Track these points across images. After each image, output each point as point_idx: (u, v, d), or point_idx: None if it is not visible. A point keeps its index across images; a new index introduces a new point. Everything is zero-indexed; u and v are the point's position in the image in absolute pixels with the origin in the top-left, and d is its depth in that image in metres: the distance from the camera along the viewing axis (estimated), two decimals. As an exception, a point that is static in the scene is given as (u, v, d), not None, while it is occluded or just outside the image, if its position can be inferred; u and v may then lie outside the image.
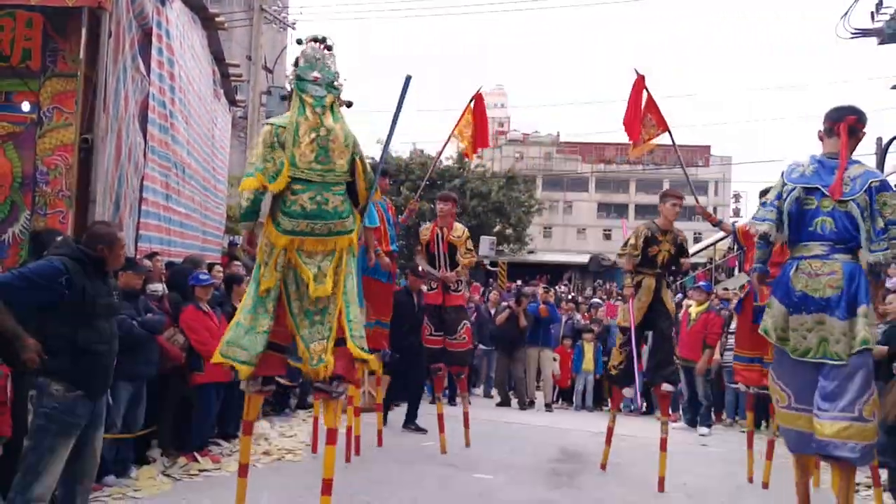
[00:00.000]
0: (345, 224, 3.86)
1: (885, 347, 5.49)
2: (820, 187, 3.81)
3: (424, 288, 7.03)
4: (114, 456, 4.95)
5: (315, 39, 4.05)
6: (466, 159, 32.34)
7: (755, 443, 6.17)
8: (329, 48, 4.07)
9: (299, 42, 4.13)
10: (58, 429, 3.36)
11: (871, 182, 3.71)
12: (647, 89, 6.40)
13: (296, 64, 4.04)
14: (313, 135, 3.83)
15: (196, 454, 5.59)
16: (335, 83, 4.00)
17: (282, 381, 7.02)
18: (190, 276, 5.87)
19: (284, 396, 8.01)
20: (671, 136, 6.51)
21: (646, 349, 6.74)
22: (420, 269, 6.93)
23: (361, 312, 6.30)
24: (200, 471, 5.43)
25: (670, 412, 9.69)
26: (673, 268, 6.43)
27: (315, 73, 3.97)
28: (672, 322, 5.86)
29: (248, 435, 4.19)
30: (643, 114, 6.39)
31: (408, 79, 4.27)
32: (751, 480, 5.99)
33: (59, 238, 4.07)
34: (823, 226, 3.80)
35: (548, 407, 10.39)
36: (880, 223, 3.67)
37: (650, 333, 6.27)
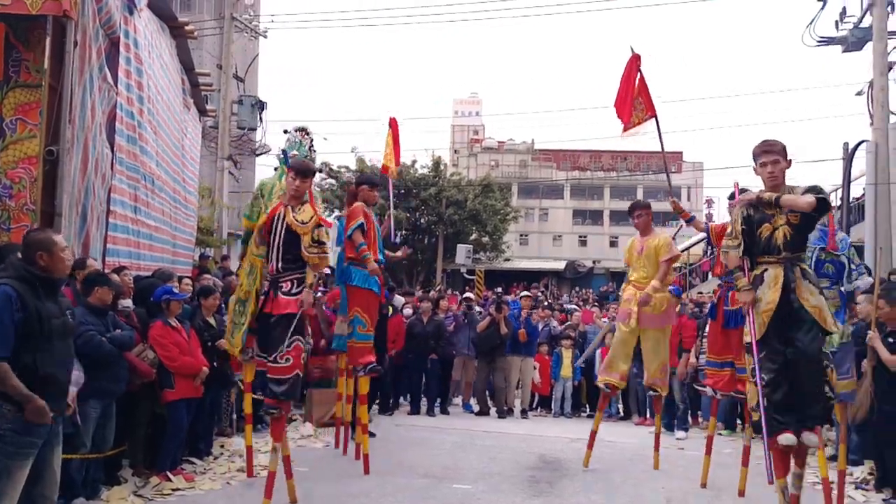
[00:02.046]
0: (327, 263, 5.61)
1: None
2: None
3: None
4: (83, 477, 4.81)
5: (298, 129, 6.34)
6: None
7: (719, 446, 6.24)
8: (307, 134, 6.38)
9: (285, 131, 6.45)
10: (13, 450, 3.22)
11: None
12: (640, 70, 6.32)
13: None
14: (280, 193, 5.25)
15: (168, 473, 5.46)
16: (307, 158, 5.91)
17: (257, 395, 6.90)
18: (158, 290, 5.74)
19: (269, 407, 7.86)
20: (657, 122, 6.38)
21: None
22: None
23: (343, 321, 6.24)
24: (174, 490, 5.30)
25: (646, 417, 9.78)
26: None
27: (294, 152, 5.98)
28: (820, 333, 4.23)
29: (249, 424, 5.72)
30: (635, 95, 6.31)
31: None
32: (703, 486, 5.95)
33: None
34: None
35: (523, 413, 10.37)
36: None
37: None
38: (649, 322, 6.36)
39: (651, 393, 6.81)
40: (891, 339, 5.52)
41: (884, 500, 5.73)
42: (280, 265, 4.95)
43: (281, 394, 4.84)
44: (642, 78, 6.31)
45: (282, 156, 6.05)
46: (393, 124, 7.55)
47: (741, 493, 5.70)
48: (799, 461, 4.36)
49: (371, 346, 6.05)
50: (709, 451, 6.12)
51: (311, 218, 4.98)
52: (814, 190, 4.25)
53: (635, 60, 6.37)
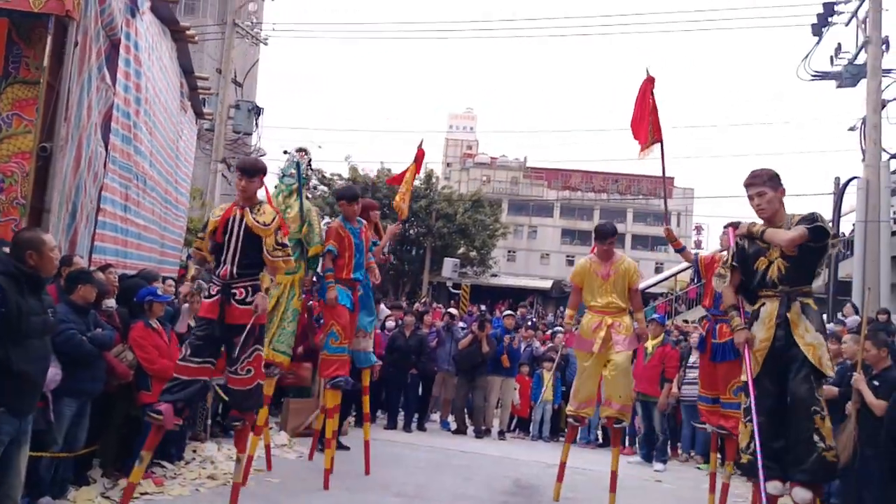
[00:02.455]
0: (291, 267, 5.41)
1: (836, 388, 5.59)
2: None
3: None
4: (51, 476, 4.77)
5: (298, 150, 6.27)
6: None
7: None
8: (305, 153, 6.28)
9: (286, 152, 6.47)
10: None
11: None
12: (652, 93, 6.33)
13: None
14: (280, 208, 5.74)
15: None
16: (304, 176, 6.18)
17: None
18: (143, 291, 5.73)
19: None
20: (661, 147, 6.35)
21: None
22: (193, 271, 5.33)
23: (363, 336, 6.44)
24: (142, 494, 5.26)
25: (625, 446, 9.78)
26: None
27: (292, 170, 6.14)
28: (812, 375, 4.02)
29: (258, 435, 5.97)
30: (648, 117, 6.32)
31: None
32: None
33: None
34: None
35: (501, 435, 10.36)
36: None
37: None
38: (623, 344, 5.92)
39: (617, 426, 6.13)
40: (876, 383, 5.37)
41: None
42: (235, 270, 4.68)
43: (244, 405, 4.83)
44: (653, 101, 6.33)
45: (280, 174, 6.29)
46: (420, 157, 7.33)
47: None
48: None
49: (344, 360, 5.97)
50: (712, 490, 6.05)
51: (274, 219, 4.77)
52: (808, 219, 4.06)
53: (650, 83, 6.35)
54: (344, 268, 5.92)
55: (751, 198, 4.30)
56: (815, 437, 3.91)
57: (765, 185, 4.23)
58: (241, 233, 4.68)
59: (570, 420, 6.33)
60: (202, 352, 4.69)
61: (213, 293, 4.71)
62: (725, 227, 6.17)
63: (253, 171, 4.84)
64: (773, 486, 3.99)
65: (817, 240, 4.05)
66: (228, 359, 4.76)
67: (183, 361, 4.70)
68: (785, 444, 4.02)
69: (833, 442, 4.02)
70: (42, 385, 3.60)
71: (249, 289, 4.69)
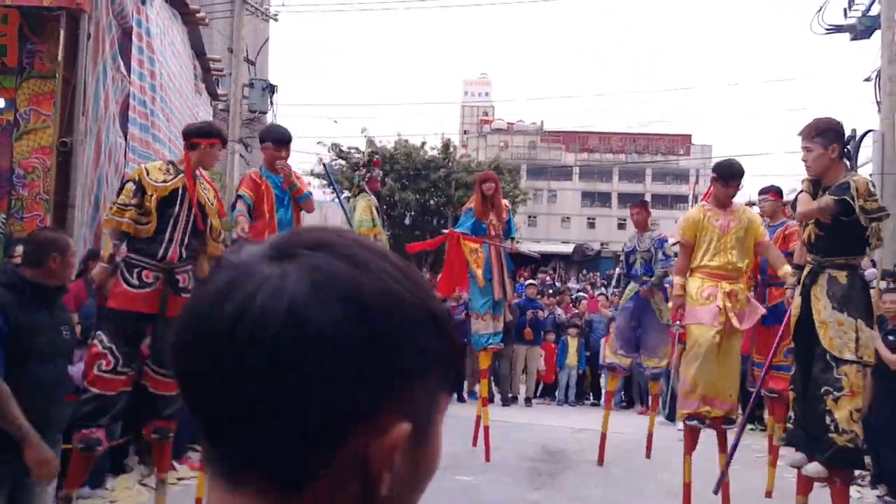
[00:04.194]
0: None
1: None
2: None
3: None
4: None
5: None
6: (451, 149, 32.33)
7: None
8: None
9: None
10: None
11: None
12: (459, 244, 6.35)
13: None
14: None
15: (174, 462, 5.54)
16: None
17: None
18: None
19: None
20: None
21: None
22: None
23: (479, 318, 6.42)
24: (179, 479, 5.34)
25: (647, 406, 9.84)
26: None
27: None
28: (824, 353, 3.76)
29: None
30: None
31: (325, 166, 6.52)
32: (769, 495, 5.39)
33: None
34: None
35: (527, 402, 10.47)
36: None
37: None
38: (744, 321, 4.70)
39: (727, 426, 4.89)
40: (891, 337, 5.35)
41: (878, 496, 5.77)
42: (184, 252, 4.02)
43: (167, 413, 4.07)
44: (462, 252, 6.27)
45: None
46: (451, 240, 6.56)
47: (768, 494, 5.31)
48: (801, 486, 4.04)
49: None
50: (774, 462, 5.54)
51: (215, 197, 4.31)
52: (840, 188, 3.70)
53: (453, 238, 6.34)
54: (265, 228, 4.71)
55: (802, 150, 3.91)
56: (827, 420, 3.66)
57: (812, 139, 3.83)
58: (193, 208, 4.05)
59: (687, 423, 4.87)
60: (134, 358, 3.89)
61: (149, 280, 3.87)
62: (761, 192, 6.10)
63: (203, 132, 4.26)
64: (798, 459, 3.88)
65: (845, 213, 3.66)
66: (154, 359, 3.99)
67: (112, 374, 3.78)
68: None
69: (850, 426, 3.64)
70: (50, 417, 2.94)
71: (189, 275, 4.02)
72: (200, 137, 4.17)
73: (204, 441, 0.55)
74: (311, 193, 5.07)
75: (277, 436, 0.50)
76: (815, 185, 3.86)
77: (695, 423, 4.76)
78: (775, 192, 6.05)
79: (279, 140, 4.98)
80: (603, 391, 10.74)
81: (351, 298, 0.51)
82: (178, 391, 0.56)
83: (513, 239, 6.65)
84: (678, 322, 5.29)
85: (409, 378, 0.53)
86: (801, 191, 3.90)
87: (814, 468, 3.74)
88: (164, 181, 3.98)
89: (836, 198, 3.66)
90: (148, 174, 4.01)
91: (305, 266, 0.52)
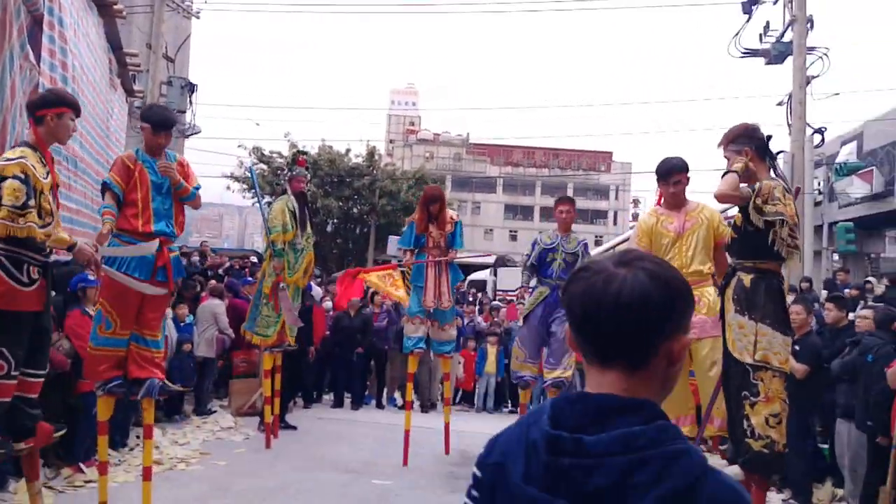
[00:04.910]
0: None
1: (804, 366, 5.63)
2: None
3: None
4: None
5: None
6: (376, 158, 32.24)
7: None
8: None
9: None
10: None
11: None
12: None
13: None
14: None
15: (81, 465, 5.35)
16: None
17: (174, 386, 6.85)
18: (74, 278, 5.60)
19: (178, 402, 7.79)
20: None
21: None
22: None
23: (409, 321, 6.68)
24: (86, 482, 5.21)
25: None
26: None
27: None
28: (728, 356, 3.76)
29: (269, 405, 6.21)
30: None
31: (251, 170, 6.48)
32: None
33: None
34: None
35: (431, 407, 10.53)
36: None
37: None
38: (709, 329, 4.30)
39: (723, 447, 4.48)
40: (797, 347, 5.50)
41: (783, 500, 5.88)
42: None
43: (36, 415, 3.88)
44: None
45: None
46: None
47: None
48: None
49: (117, 355, 4.32)
50: None
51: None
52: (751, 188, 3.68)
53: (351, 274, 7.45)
54: (138, 215, 4.26)
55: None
56: (745, 424, 3.65)
57: (728, 148, 3.87)
58: (55, 193, 3.80)
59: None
60: (22, 360, 3.66)
61: (35, 276, 3.64)
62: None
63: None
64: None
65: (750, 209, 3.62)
66: (36, 361, 3.79)
67: (6, 379, 3.56)
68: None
69: (766, 431, 3.61)
70: None
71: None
72: (45, 108, 3.76)
73: (594, 355, 1.12)
74: (198, 189, 4.57)
75: (637, 343, 1.09)
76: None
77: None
78: None
79: (159, 124, 4.41)
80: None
81: (662, 280, 1.09)
82: (577, 336, 1.14)
83: (455, 250, 6.65)
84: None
85: (683, 317, 1.12)
86: (730, 171, 3.74)
87: (732, 472, 3.67)
88: (44, 173, 3.68)
89: (749, 188, 3.68)
90: (34, 167, 3.59)
91: (638, 268, 1.10)
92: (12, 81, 5.67)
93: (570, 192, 54.31)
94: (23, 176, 3.49)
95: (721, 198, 3.74)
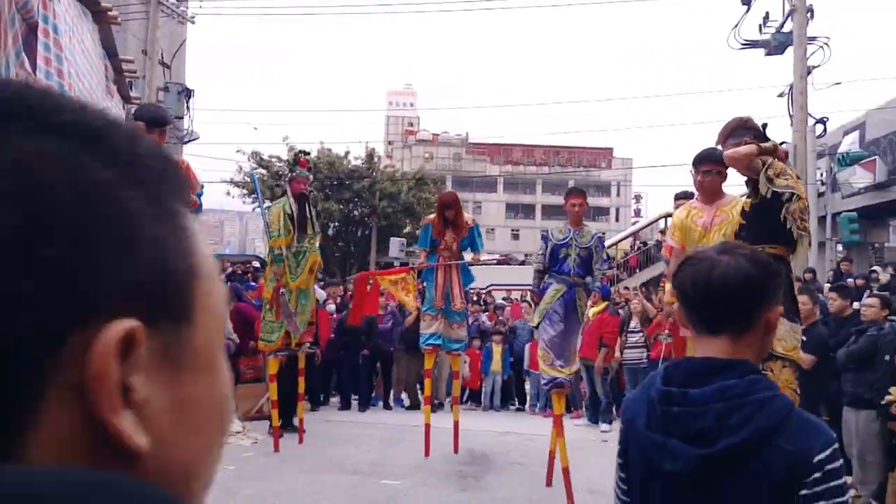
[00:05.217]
0: None
1: (811, 356, 5.55)
2: None
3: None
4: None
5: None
6: (375, 160, 32.24)
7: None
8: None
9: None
10: None
11: None
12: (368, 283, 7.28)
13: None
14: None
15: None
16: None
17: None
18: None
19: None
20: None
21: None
22: None
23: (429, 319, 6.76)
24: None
25: (573, 409, 10.06)
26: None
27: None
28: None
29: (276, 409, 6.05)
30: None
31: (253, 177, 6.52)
32: None
33: None
34: None
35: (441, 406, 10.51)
36: None
37: None
38: None
39: None
40: (804, 338, 5.62)
41: None
42: None
43: None
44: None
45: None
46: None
47: None
48: None
49: None
50: None
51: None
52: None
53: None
54: None
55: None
56: None
57: (726, 144, 3.84)
58: None
59: None
60: None
61: None
62: (678, 198, 6.24)
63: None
64: None
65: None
66: None
67: None
68: None
69: None
70: None
71: None
72: None
73: (705, 327, 1.36)
74: (201, 193, 4.53)
75: (741, 315, 1.32)
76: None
77: None
78: (692, 196, 6.16)
79: (152, 121, 4.31)
80: (528, 398, 10.90)
81: (757, 262, 1.35)
82: (688, 313, 1.40)
83: (477, 253, 6.74)
84: (666, 331, 5.11)
85: (776, 292, 1.41)
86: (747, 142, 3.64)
87: None
88: None
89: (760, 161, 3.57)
90: None
91: (738, 254, 1.35)
92: (8, 89, 5.64)
93: (570, 190, 54.39)
94: None
95: (731, 160, 3.61)
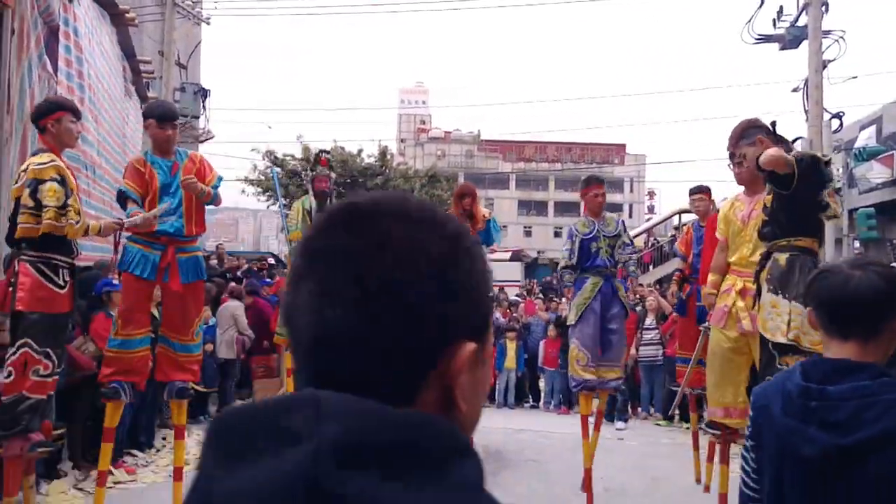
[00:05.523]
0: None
1: None
2: None
3: None
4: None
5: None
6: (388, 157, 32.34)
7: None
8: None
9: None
10: None
11: None
12: None
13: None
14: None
15: (111, 466, 5.42)
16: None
17: (199, 387, 6.94)
18: (99, 283, 5.67)
19: (203, 403, 7.86)
20: None
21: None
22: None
23: None
24: (115, 483, 5.28)
25: (616, 416, 9.96)
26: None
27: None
28: (772, 345, 3.53)
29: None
30: None
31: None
32: (698, 481, 5.54)
33: None
34: None
35: None
36: None
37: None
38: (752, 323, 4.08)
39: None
40: None
41: None
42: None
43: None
44: None
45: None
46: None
47: (707, 489, 5.28)
48: None
49: (125, 358, 4.21)
50: (696, 447, 5.68)
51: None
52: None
53: None
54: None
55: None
56: None
57: (739, 145, 3.84)
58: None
59: (705, 428, 4.64)
60: (63, 359, 3.98)
61: (68, 279, 3.84)
62: (693, 192, 6.26)
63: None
64: None
65: (810, 170, 3.48)
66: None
67: (50, 377, 3.77)
68: None
69: None
70: None
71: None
72: (43, 117, 3.87)
73: (837, 332, 1.56)
74: (218, 185, 4.51)
75: (871, 323, 1.53)
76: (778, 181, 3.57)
77: (713, 431, 4.46)
78: (708, 191, 6.12)
79: (162, 116, 4.36)
80: (543, 395, 10.93)
81: (887, 278, 1.53)
82: (822, 319, 1.59)
83: (494, 245, 6.53)
84: (707, 322, 5.05)
85: None
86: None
87: None
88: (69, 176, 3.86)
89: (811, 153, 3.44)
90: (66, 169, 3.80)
91: (870, 270, 1.54)
92: (31, 91, 5.75)
93: (583, 186, 54.25)
94: (59, 178, 3.66)
95: (771, 162, 3.48)
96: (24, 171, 3.72)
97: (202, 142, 16.99)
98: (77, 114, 4.03)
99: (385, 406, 0.58)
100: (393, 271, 0.62)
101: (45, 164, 3.69)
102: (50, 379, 3.74)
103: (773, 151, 3.48)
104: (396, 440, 0.56)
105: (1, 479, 3.81)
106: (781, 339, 3.52)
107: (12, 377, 3.64)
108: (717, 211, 5.09)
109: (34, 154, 3.92)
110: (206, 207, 4.53)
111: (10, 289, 3.66)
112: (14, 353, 3.64)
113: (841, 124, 14.39)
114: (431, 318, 0.62)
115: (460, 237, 0.67)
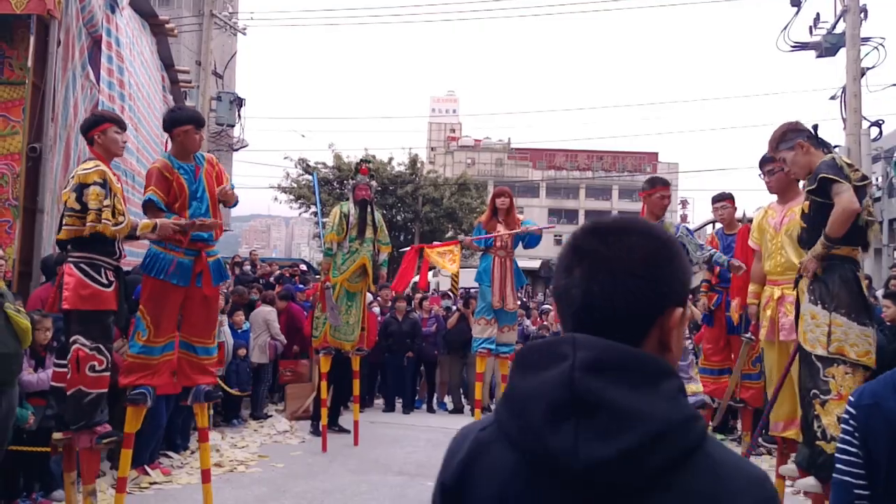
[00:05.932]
0: None
1: None
2: None
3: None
4: (61, 470, 4.86)
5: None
6: (418, 165, 32.48)
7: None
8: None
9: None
10: None
11: None
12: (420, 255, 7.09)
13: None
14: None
15: (146, 467, 5.54)
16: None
17: (232, 391, 7.06)
18: (139, 287, 5.79)
19: (236, 407, 7.98)
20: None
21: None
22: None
23: (480, 323, 6.70)
24: (151, 483, 5.39)
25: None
26: None
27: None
28: (805, 352, 3.57)
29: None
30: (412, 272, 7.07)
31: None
32: None
33: None
34: None
35: (486, 409, 10.51)
36: None
37: None
38: (788, 330, 4.14)
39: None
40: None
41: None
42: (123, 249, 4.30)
43: (64, 415, 4.01)
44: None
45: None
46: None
47: None
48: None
49: (152, 364, 4.27)
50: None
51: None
52: (826, 169, 3.52)
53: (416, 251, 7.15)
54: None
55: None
56: (815, 426, 3.40)
57: (778, 150, 3.80)
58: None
59: (762, 443, 4.56)
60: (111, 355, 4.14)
61: (112, 279, 4.01)
62: (717, 200, 6.21)
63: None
64: (787, 469, 3.69)
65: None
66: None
67: (105, 371, 3.98)
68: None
69: (839, 432, 3.03)
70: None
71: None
72: (90, 129, 4.08)
73: None
74: (232, 187, 4.57)
75: None
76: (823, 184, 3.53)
77: (768, 446, 4.34)
78: (731, 199, 6.08)
79: (195, 121, 4.39)
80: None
81: None
82: None
83: (526, 226, 6.60)
84: (749, 334, 4.90)
85: None
86: (844, 189, 3.45)
87: (805, 483, 3.44)
88: (115, 180, 4.03)
89: (846, 184, 3.43)
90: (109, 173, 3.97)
91: None
92: (75, 100, 5.94)
93: (614, 195, 53.86)
94: (101, 181, 3.86)
95: (850, 216, 3.44)
96: (73, 176, 3.97)
97: (237, 150, 17.27)
98: (122, 125, 4.24)
99: (619, 343, 0.91)
100: (634, 266, 0.94)
101: (89, 169, 3.92)
102: (106, 373, 3.95)
103: (850, 207, 3.38)
104: (624, 361, 0.90)
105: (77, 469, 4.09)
106: (822, 352, 3.45)
107: (70, 374, 3.86)
108: (743, 219, 5.03)
109: (84, 162, 4.14)
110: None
111: (58, 291, 3.93)
112: (68, 351, 3.88)
113: (880, 132, 14.10)
114: (657, 295, 0.95)
115: (672, 243, 0.99)
